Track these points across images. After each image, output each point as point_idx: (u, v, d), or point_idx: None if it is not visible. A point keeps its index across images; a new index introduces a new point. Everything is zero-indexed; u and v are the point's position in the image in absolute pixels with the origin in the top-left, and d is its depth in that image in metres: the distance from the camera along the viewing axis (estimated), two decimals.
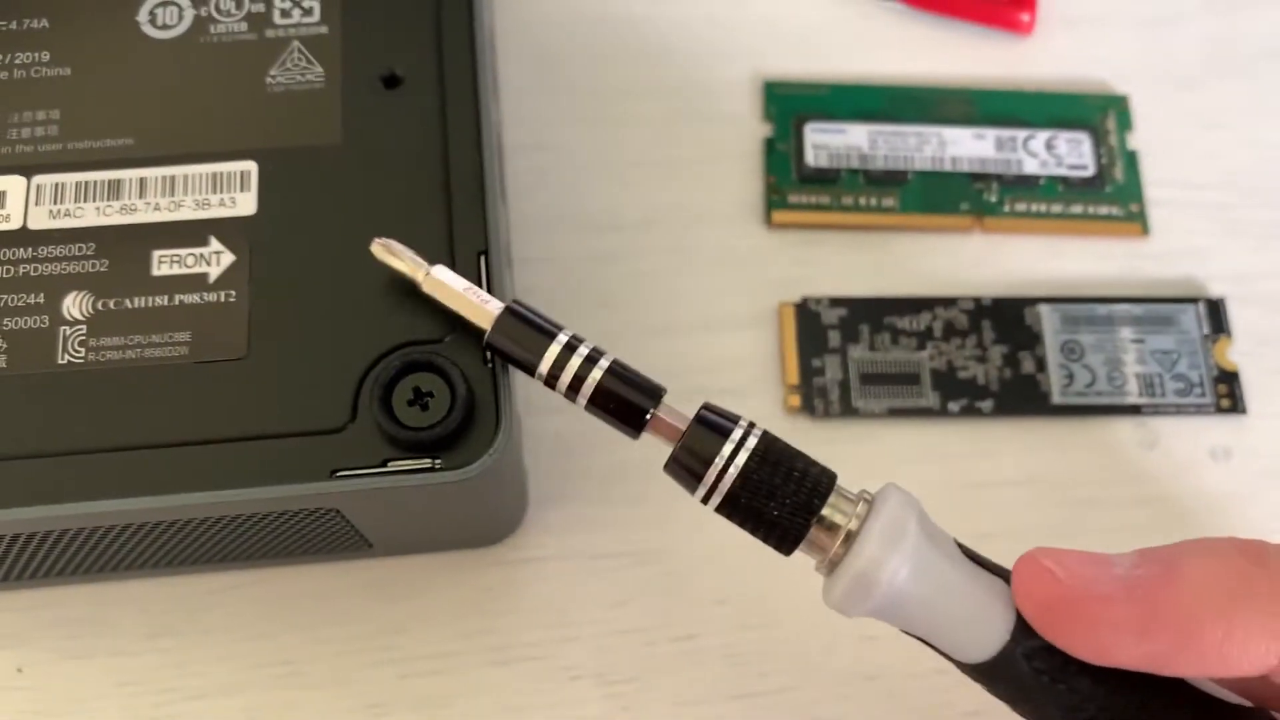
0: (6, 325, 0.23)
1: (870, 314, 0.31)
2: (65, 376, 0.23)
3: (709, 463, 0.22)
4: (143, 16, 0.25)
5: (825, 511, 0.22)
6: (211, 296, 0.23)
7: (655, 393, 0.22)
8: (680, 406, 0.23)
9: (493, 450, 0.22)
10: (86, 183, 0.24)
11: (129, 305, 0.23)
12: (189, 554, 0.26)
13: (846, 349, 0.31)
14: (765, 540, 0.22)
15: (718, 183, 0.33)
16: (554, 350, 0.22)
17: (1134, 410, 0.30)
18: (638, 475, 0.30)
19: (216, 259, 0.23)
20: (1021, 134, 0.33)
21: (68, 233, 0.24)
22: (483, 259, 0.24)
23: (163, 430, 0.22)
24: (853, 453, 0.30)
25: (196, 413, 0.22)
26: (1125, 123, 0.33)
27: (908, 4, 0.34)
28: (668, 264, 0.32)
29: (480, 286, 0.23)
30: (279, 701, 0.27)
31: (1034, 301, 0.31)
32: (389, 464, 0.22)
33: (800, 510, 0.21)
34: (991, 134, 0.33)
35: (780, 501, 0.21)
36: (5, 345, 0.23)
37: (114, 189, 0.24)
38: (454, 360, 0.23)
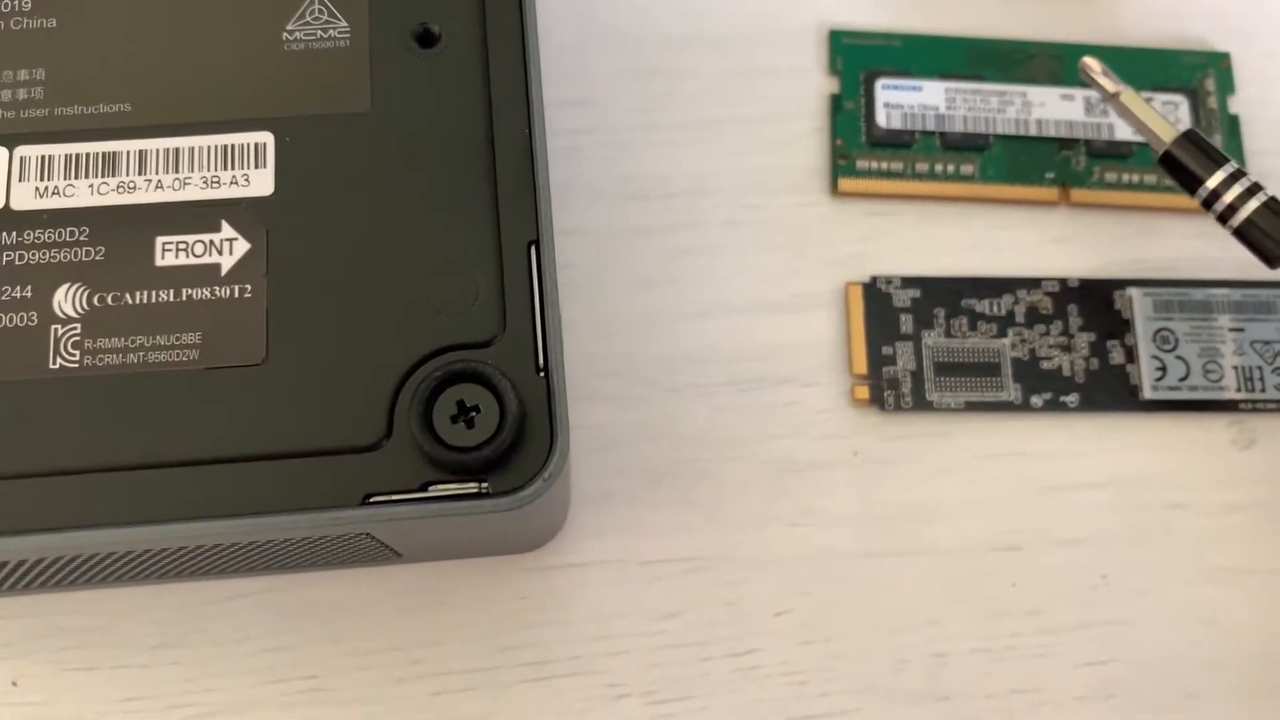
0: None
1: (946, 296, 0.29)
2: (58, 384, 0.20)
3: None
4: None
5: None
6: (224, 291, 0.21)
7: None
8: None
9: (547, 474, 0.20)
10: (78, 155, 0.21)
11: (129, 301, 0.20)
12: (200, 566, 0.24)
13: (920, 335, 0.29)
14: None
15: (778, 146, 0.30)
16: (1219, 176, 0.26)
17: (1231, 406, 0.28)
18: (690, 471, 0.28)
19: (229, 247, 0.21)
20: None
21: (57, 214, 0.21)
22: (533, 250, 0.21)
23: (169, 447, 0.20)
24: (926, 451, 0.28)
25: (208, 427, 0.20)
26: (1227, 84, 0.31)
27: None
28: (720, 238, 0.30)
29: (530, 282, 0.21)
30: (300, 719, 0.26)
31: (1124, 284, 0.29)
32: (430, 488, 0.20)
33: None
34: (1080, 95, 0.30)
35: None
36: None
37: (110, 163, 0.21)
38: (503, 369, 0.20)
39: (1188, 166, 0.27)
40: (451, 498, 0.20)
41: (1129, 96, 0.27)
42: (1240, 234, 0.26)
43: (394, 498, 0.20)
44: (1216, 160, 0.27)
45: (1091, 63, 0.28)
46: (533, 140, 0.22)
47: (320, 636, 0.26)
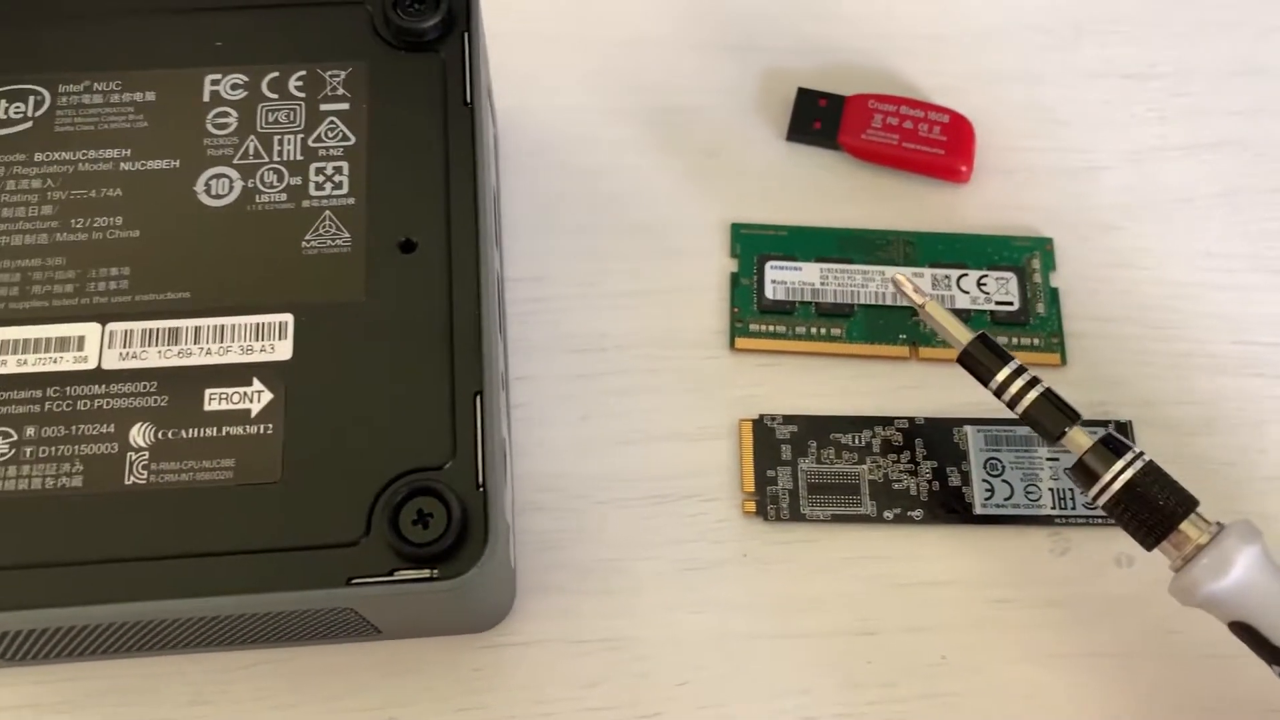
0: (83, 451, 0.28)
1: (818, 430, 0.35)
2: (130, 495, 0.27)
3: (1108, 466, 0.30)
4: (199, 186, 0.30)
5: (1190, 518, 0.29)
6: (252, 429, 0.28)
7: (1072, 415, 0.31)
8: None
9: (480, 565, 0.27)
10: (151, 330, 0.29)
11: (184, 435, 0.28)
12: (228, 637, 0.31)
13: (797, 461, 0.35)
14: (1140, 528, 0.30)
15: (688, 311, 0.37)
16: (1005, 372, 0.31)
17: (1048, 520, 0.35)
18: (612, 568, 0.34)
19: (258, 397, 0.28)
20: (955, 273, 0.37)
21: (134, 372, 0.28)
22: (478, 398, 0.28)
23: (209, 541, 0.27)
24: (799, 553, 0.34)
25: (237, 527, 0.27)
26: (1049, 263, 0.38)
27: (860, 158, 0.39)
28: (642, 382, 0.37)
29: (475, 422, 0.28)
30: None
31: (961, 423, 0.36)
32: (395, 573, 0.27)
33: (1182, 503, 0.29)
34: (929, 273, 0.37)
35: (1165, 497, 0.29)
36: (82, 468, 0.28)
37: (174, 335, 0.29)
38: (451, 486, 0.27)
39: (981, 364, 0.31)
40: (410, 580, 0.27)
41: (932, 306, 0.32)
42: (1025, 418, 0.31)
43: (369, 580, 0.27)
44: (1003, 359, 0.31)
45: (899, 279, 0.32)
46: (480, 316, 0.29)
47: (319, 696, 0.32)
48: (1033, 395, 0.31)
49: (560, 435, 0.36)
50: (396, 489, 0.27)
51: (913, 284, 0.32)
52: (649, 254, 0.38)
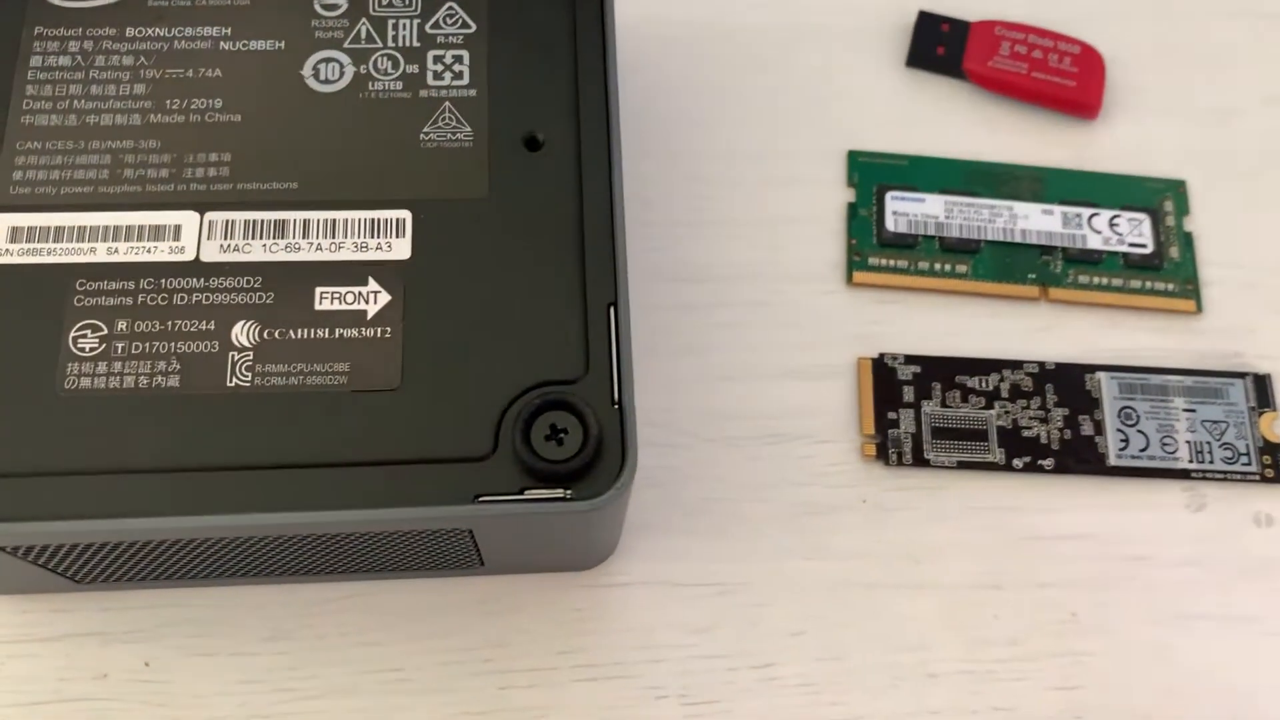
0: (180, 349, 0.25)
1: (942, 372, 0.33)
2: (233, 398, 0.25)
3: None
4: (307, 70, 0.28)
5: None
6: (369, 332, 0.26)
7: None
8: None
9: (619, 484, 0.25)
10: (254, 221, 0.26)
11: (292, 336, 0.25)
12: (319, 564, 0.28)
13: (920, 404, 0.33)
14: None
15: (803, 243, 0.35)
16: None
17: (1184, 475, 0.33)
18: (722, 510, 0.32)
19: (374, 298, 0.26)
20: (1086, 212, 0.35)
21: (236, 266, 0.26)
22: (612, 310, 0.26)
23: (323, 451, 0.25)
24: (921, 500, 0.32)
25: (353, 437, 0.25)
26: (1183, 206, 0.36)
27: (985, 87, 0.37)
28: (752, 316, 0.34)
29: (609, 335, 0.26)
30: (388, 705, 0.30)
31: (1094, 369, 0.34)
32: (526, 492, 0.24)
33: None
34: (1059, 210, 0.35)
35: None
36: (179, 367, 0.25)
37: (280, 228, 0.26)
38: (587, 401, 0.25)
39: None
40: (544, 500, 0.24)
41: None
42: None
43: (499, 498, 0.24)
44: None
45: None
46: (613, 222, 0.27)
47: (406, 635, 0.30)
48: None
49: (664, 368, 0.34)
50: (528, 401, 0.25)
51: None
52: (758, 181, 0.36)
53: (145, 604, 0.30)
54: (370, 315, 0.26)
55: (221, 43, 0.28)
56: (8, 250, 0.26)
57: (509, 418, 0.25)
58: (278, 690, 0.30)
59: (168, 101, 0.27)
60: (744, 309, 0.35)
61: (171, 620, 0.30)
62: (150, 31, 0.28)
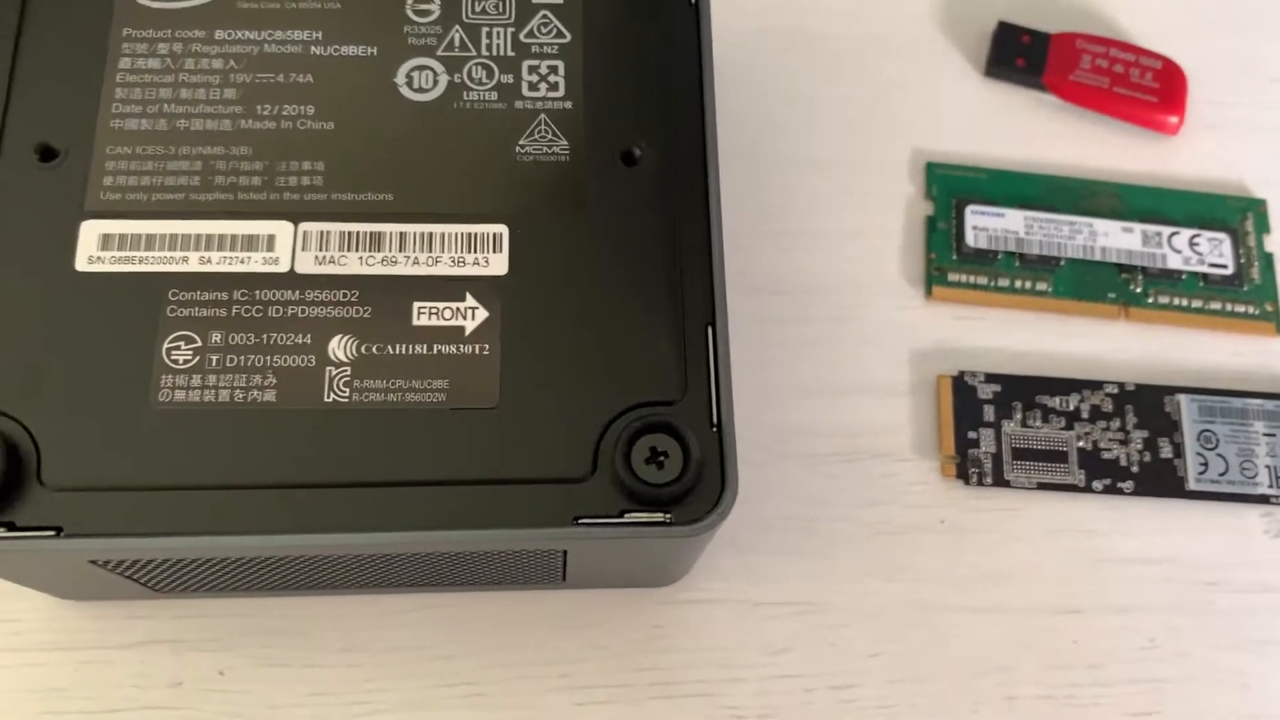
0: (277, 362, 0.25)
1: (1023, 391, 0.33)
2: (332, 414, 0.24)
3: None
4: (400, 78, 0.27)
5: None
6: (467, 348, 0.25)
7: None
8: None
9: (720, 510, 0.24)
10: (350, 233, 0.26)
11: (390, 351, 0.25)
12: (401, 578, 0.28)
13: (1000, 423, 0.33)
14: None
15: (880, 255, 0.35)
16: None
17: (1263, 500, 0.32)
18: (800, 528, 0.32)
19: (471, 314, 0.25)
20: (1166, 230, 0.35)
21: (332, 279, 0.26)
22: (710, 330, 0.26)
23: (422, 470, 0.24)
24: (1001, 521, 0.32)
25: (452, 455, 0.24)
26: (1263, 225, 0.35)
27: (1065, 99, 0.36)
28: (828, 330, 0.34)
29: (708, 355, 0.25)
30: None
31: (1174, 390, 0.33)
32: (625, 515, 0.24)
33: None
34: (1139, 228, 0.35)
35: None
36: (276, 381, 0.25)
37: (376, 241, 0.26)
38: (688, 424, 0.25)
39: None
40: (644, 524, 0.24)
41: None
42: None
43: (599, 521, 0.24)
44: None
45: None
46: (710, 240, 0.26)
47: (481, 648, 0.30)
48: None
49: (738, 381, 0.33)
50: (627, 423, 0.25)
51: None
52: (834, 191, 0.36)
53: (220, 613, 0.30)
54: (468, 332, 0.25)
55: (313, 47, 0.28)
56: (99, 258, 0.25)
57: (609, 439, 0.25)
58: (351, 703, 0.30)
59: (258, 107, 0.27)
60: (822, 324, 0.34)
61: (245, 630, 0.30)
62: (240, 34, 0.28)
